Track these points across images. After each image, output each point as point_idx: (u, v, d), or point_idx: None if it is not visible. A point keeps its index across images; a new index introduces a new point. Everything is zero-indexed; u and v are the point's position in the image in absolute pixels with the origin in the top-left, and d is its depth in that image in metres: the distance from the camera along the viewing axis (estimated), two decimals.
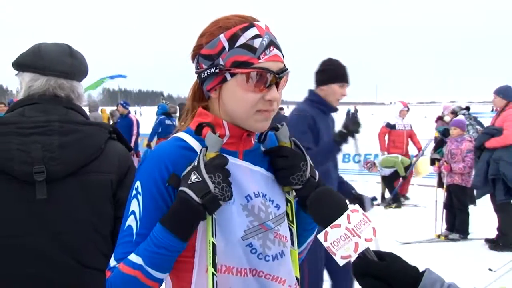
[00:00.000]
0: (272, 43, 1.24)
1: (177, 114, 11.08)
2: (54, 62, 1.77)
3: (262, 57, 1.21)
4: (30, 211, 1.64)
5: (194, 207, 1.15)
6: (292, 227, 1.37)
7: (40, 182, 1.63)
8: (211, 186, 1.16)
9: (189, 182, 1.17)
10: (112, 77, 7.75)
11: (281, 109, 15.73)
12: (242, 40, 1.22)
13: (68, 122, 1.72)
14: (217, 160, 1.20)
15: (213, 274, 1.17)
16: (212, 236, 1.19)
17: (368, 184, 8.99)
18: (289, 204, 1.37)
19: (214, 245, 1.19)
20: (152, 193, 1.23)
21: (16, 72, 1.85)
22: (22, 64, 1.81)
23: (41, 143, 1.65)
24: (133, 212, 1.25)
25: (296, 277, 1.35)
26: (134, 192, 1.26)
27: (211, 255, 1.18)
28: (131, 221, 1.25)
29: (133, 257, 1.19)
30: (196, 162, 1.19)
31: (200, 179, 1.16)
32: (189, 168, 1.19)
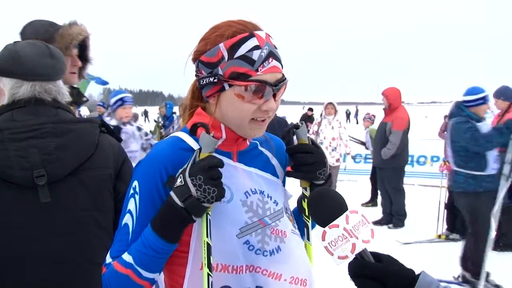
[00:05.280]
0: (271, 54, 1.23)
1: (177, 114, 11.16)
2: (36, 66, 1.70)
3: (260, 69, 1.21)
4: (36, 215, 1.63)
5: (177, 211, 1.16)
6: (308, 221, 1.39)
7: (42, 186, 1.62)
8: (192, 189, 1.14)
9: (174, 186, 1.17)
10: (97, 81, 7.69)
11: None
12: (241, 51, 1.21)
13: (61, 122, 1.70)
14: (203, 161, 1.18)
15: (208, 275, 1.17)
16: (207, 236, 1.19)
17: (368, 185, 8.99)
18: (305, 200, 1.39)
19: (209, 246, 1.18)
20: (150, 193, 1.23)
21: None
22: (0, 70, 1.72)
23: (37, 147, 1.63)
24: (130, 211, 1.26)
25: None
26: (131, 191, 1.27)
27: (206, 256, 1.18)
28: (127, 220, 1.26)
29: (125, 256, 1.21)
30: (186, 165, 1.19)
31: (183, 183, 1.16)
32: (179, 171, 1.19)
